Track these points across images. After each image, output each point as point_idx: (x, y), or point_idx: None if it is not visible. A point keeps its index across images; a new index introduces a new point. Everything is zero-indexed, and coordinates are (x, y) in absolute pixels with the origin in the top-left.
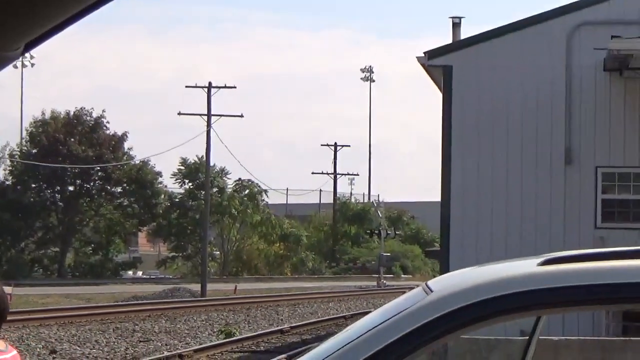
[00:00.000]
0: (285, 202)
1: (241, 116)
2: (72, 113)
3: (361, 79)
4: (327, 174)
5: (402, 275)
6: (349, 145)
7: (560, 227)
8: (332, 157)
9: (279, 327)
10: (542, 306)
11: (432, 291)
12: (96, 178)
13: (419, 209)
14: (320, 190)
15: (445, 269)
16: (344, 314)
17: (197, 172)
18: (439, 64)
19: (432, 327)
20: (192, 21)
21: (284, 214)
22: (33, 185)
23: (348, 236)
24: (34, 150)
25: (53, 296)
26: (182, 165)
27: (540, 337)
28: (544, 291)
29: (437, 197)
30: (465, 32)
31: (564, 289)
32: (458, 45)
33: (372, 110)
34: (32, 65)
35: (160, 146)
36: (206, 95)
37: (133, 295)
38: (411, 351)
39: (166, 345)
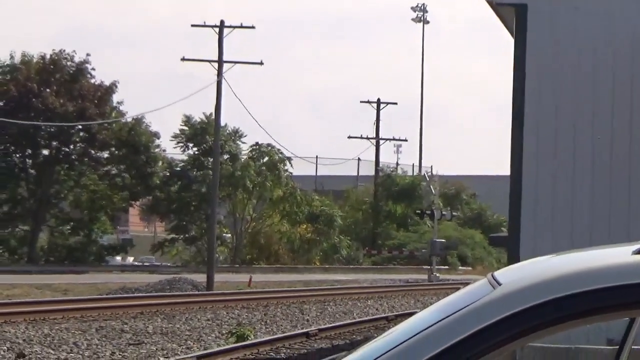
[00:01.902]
0: (314, 174)
1: (260, 64)
2: (48, 57)
3: (412, 20)
4: (368, 138)
5: (460, 267)
6: (396, 103)
7: None
8: (374, 117)
9: (304, 330)
10: (637, 305)
11: (499, 284)
12: (77, 139)
13: (481, 184)
14: (359, 160)
15: (514, 259)
16: (386, 315)
17: (204, 133)
18: (510, 2)
19: (499, 329)
20: None
21: (313, 188)
22: None
23: (392, 217)
24: (0, 103)
25: (21, 286)
26: (185, 125)
27: (633, 347)
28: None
29: (505, 170)
30: None
31: None
32: None
33: (424, 60)
34: None
35: (157, 100)
36: (217, 37)
37: (122, 287)
38: (472, 359)
39: (162, 349)
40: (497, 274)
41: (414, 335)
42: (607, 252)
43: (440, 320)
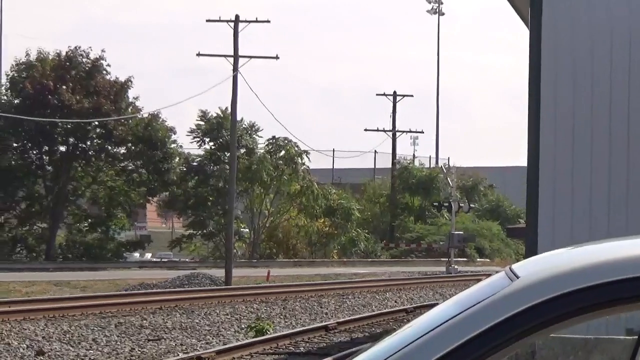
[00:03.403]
0: (331, 167)
1: (276, 58)
2: (63, 54)
3: (427, 11)
4: (384, 131)
5: (478, 259)
6: (412, 96)
7: None
8: (391, 110)
9: (323, 323)
10: None
11: (518, 277)
12: (94, 136)
13: (499, 175)
14: (375, 152)
15: (532, 251)
16: (404, 307)
17: (220, 128)
18: None
19: (518, 321)
20: None
21: (330, 182)
22: (15, 145)
23: (410, 210)
24: (16, 101)
25: (40, 284)
26: (201, 120)
27: None
28: None
29: (522, 161)
30: None
31: None
32: None
33: (440, 51)
34: None
35: (173, 96)
36: (232, 31)
37: (140, 283)
38: (491, 351)
39: (182, 345)
40: (515, 266)
41: (434, 329)
42: (625, 244)
43: (459, 314)
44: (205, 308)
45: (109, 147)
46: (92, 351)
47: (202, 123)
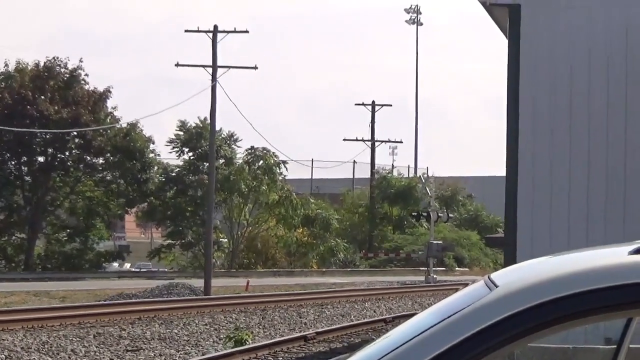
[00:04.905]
0: (310, 177)
1: (255, 68)
2: (42, 64)
3: (405, 21)
4: (363, 141)
5: (457, 268)
6: (390, 105)
7: None
8: (369, 119)
9: (302, 333)
10: (634, 305)
11: (496, 286)
12: (72, 146)
13: (477, 185)
14: (354, 162)
15: (510, 260)
16: (383, 317)
17: (199, 138)
18: (503, 3)
19: (497, 331)
20: None
21: (309, 192)
22: None
23: (389, 219)
24: None
25: (19, 294)
26: (180, 130)
27: (631, 346)
28: (636, 286)
29: (500, 170)
30: None
31: None
32: None
33: (419, 61)
34: None
35: (152, 106)
36: (210, 41)
37: (119, 293)
38: None
39: (160, 355)
40: (493, 275)
41: (412, 338)
42: (604, 253)
43: (437, 323)
44: (184, 318)
45: (88, 158)
46: None
47: (181, 133)
